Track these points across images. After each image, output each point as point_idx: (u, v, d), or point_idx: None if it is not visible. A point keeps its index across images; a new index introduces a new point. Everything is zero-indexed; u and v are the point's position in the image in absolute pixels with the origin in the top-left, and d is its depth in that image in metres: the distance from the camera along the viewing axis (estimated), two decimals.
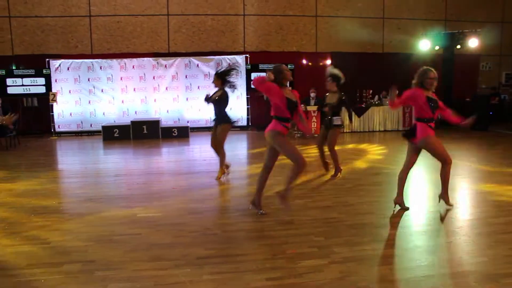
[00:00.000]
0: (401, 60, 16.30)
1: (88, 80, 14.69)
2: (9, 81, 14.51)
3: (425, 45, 15.71)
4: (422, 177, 8.31)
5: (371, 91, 15.15)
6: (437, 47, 15.74)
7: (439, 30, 16.21)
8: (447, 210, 5.92)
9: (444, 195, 5.98)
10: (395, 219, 5.57)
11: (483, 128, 14.25)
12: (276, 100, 5.41)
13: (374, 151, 10.83)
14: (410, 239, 4.93)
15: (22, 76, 14.55)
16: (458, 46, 15.47)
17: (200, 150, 11.74)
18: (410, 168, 5.96)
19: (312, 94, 14.05)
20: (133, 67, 15.06)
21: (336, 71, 8.06)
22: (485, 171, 8.49)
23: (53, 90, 14.55)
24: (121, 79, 15.00)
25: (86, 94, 14.61)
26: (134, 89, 15.07)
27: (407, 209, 5.88)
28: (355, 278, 3.91)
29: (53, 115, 14.91)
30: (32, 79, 14.57)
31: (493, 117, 15.48)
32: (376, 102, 14.93)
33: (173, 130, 13.98)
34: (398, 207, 5.93)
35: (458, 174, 8.29)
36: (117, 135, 13.56)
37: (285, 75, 5.46)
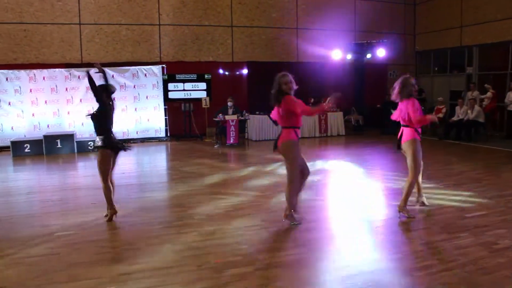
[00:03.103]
0: (315, 69, 16.94)
1: None
2: None
3: (337, 54, 16.45)
4: (339, 180, 8.67)
5: None
6: (348, 56, 16.55)
7: (350, 41, 17.07)
8: (362, 212, 6.23)
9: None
10: (318, 223, 5.77)
11: (393, 132, 15.12)
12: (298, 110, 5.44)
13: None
14: (331, 242, 5.13)
15: None
16: (369, 56, 16.38)
17: (117, 163, 11.36)
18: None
19: (230, 103, 14.18)
20: (44, 78, 14.28)
21: None
22: (396, 173, 9.02)
23: None
24: (31, 91, 14.16)
25: None
26: (46, 102, 14.29)
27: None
28: (281, 284, 4.01)
29: None
30: None
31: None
32: None
33: (89, 143, 13.44)
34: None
35: (371, 175, 8.75)
36: (28, 150, 12.79)
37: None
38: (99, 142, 6.21)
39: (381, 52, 16.07)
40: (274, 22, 16.93)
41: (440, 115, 14.88)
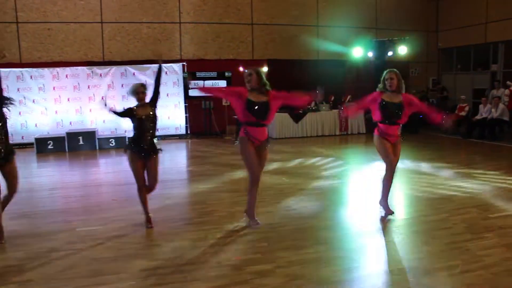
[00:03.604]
0: (336, 67, 16.83)
1: (18, 90, 13.97)
2: None
3: (358, 52, 16.30)
4: (360, 179, 8.61)
5: None
6: (369, 54, 16.39)
7: (370, 38, 16.89)
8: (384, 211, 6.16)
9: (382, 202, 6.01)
10: (338, 222, 5.73)
11: (414, 131, 14.96)
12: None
13: (313, 156, 11.05)
14: (352, 240, 5.09)
15: None
16: (390, 53, 16.18)
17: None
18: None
19: None
20: (67, 76, 14.50)
21: None
22: (416, 171, 8.91)
23: None
24: (54, 89, 14.40)
25: (16, 104, 13.86)
26: (68, 99, 14.51)
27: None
28: (301, 282, 3.99)
29: None
30: None
31: (423, 120, 16.28)
32: (313, 108, 15.27)
33: (110, 140, 13.60)
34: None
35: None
36: (51, 147, 13.00)
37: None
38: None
39: (402, 50, 15.86)
40: (294, 19, 16.85)
41: (463, 113, 14.64)
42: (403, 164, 9.90)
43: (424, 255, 4.54)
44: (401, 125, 5.75)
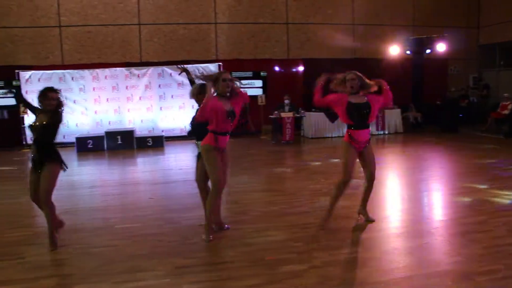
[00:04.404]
0: (372, 65, 16.58)
1: (60, 91, 14.41)
2: None
3: (395, 50, 16.02)
4: (396, 180, 8.47)
5: None
6: (407, 52, 16.08)
7: (408, 36, 16.56)
8: (420, 213, 6.03)
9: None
10: (372, 223, 5.64)
11: (453, 130, 14.59)
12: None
13: None
14: (388, 242, 5.01)
15: None
16: (428, 51, 15.82)
17: (176, 159, 11.68)
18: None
19: (286, 101, 14.15)
20: (106, 77, 14.88)
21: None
22: (455, 172, 8.69)
23: None
24: (94, 89, 14.81)
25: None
26: (107, 100, 14.89)
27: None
28: (335, 282, 3.95)
29: (24, 127, 14.59)
30: (1, 91, 14.26)
31: (463, 119, 15.88)
32: None
33: (148, 139, 13.86)
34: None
35: (430, 176, 8.48)
36: (91, 146, 13.36)
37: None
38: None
39: (441, 47, 15.50)
40: (329, 18, 16.71)
41: (506, 111, 14.17)
42: (440, 164, 9.66)
43: (463, 258, 4.40)
44: (370, 128, 5.39)
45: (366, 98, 5.30)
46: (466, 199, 6.56)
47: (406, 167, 9.62)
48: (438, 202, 6.76)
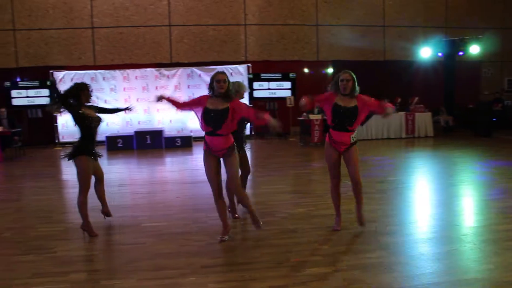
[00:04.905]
0: (403, 68, 16.36)
1: (92, 91, 14.74)
2: (13, 93, 14.60)
3: (426, 52, 15.76)
4: (425, 184, 8.33)
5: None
6: (439, 54, 15.79)
7: (440, 37, 16.26)
8: (450, 218, 5.91)
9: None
10: (400, 227, 5.56)
11: (486, 135, 14.25)
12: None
13: (377, 159, 10.82)
14: (415, 247, 4.92)
15: (26, 88, 14.65)
16: (461, 53, 15.49)
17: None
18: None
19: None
20: (136, 77, 15.14)
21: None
22: (488, 178, 8.48)
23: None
24: (124, 89, 15.09)
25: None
26: (137, 100, 15.13)
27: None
28: (360, 286, 3.91)
29: (57, 125, 14.98)
30: (36, 90, 14.67)
31: (496, 123, 15.47)
32: None
33: (176, 139, 14.02)
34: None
35: (460, 181, 8.30)
36: (121, 145, 13.61)
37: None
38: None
39: (474, 49, 15.16)
40: (360, 20, 16.56)
41: None
42: (471, 169, 9.44)
43: (494, 267, 4.28)
44: (354, 132, 5.18)
45: (355, 101, 5.08)
46: (499, 206, 6.39)
47: (435, 172, 9.45)
48: (469, 208, 6.61)
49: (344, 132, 5.10)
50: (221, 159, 4.96)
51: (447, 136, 15.06)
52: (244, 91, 6.25)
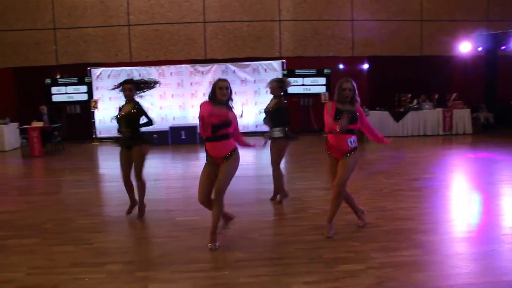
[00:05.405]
0: (440, 63, 15.97)
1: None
2: (54, 89, 15.06)
3: (466, 47, 15.33)
4: (464, 183, 8.14)
5: (409, 95, 14.86)
6: (479, 49, 15.33)
7: (481, 31, 15.75)
8: (489, 218, 5.75)
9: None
10: (435, 226, 5.46)
11: None
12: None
13: (413, 156, 10.62)
14: (451, 246, 4.82)
15: (65, 85, 15.09)
16: (503, 47, 14.96)
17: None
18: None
19: None
20: (171, 74, 15.35)
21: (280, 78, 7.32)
22: None
23: (94, 98, 15.00)
24: (159, 85, 15.29)
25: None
26: (172, 96, 15.34)
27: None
28: (393, 284, 3.86)
29: (94, 121, 15.35)
30: (75, 87, 15.09)
31: None
32: (415, 106, 14.65)
33: None
34: None
35: (501, 179, 8.07)
36: (156, 140, 13.83)
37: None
38: (277, 133, 6.37)
39: None
40: (395, 14, 16.23)
41: None
42: None
43: None
44: (353, 136, 4.99)
45: (355, 107, 5.03)
46: None
47: (474, 170, 9.20)
48: (510, 208, 6.41)
49: (343, 135, 4.92)
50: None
51: (487, 134, 14.61)
52: (288, 86, 6.57)
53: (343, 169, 4.95)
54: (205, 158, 4.92)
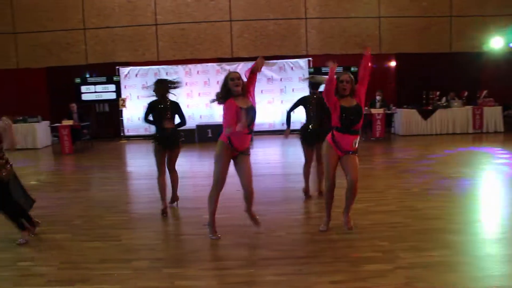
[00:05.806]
0: (470, 59, 15.62)
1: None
2: (83, 88, 15.38)
3: (497, 43, 14.95)
4: (495, 182, 7.95)
5: (438, 93, 14.60)
6: (511, 44, 14.93)
7: None
8: None
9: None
10: (466, 226, 5.35)
11: None
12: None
13: (442, 154, 10.43)
14: (482, 247, 4.71)
15: (94, 84, 15.38)
16: None
17: (264, 153, 11.82)
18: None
19: (378, 97, 13.83)
20: (198, 72, 15.46)
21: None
22: None
23: (123, 96, 15.23)
24: (186, 84, 15.40)
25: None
26: (199, 94, 15.45)
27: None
28: (422, 285, 3.80)
29: (122, 119, 15.59)
30: (103, 86, 15.37)
31: None
32: (444, 104, 14.38)
33: None
34: None
35: None
36: (183, 138, 13.93)
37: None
38: None
39: None
40: (424, 11, 15.94)
41: None
42: None
43: None
44: (358, 136, 5.00)
45: (355, 100, 5.04)
46: None
47: (505, 169, 8.97)
48: None
49: (349, 135, 4.93)
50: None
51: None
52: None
53: (354, 166, 5.03)
54: (220, 148, 5.14)
